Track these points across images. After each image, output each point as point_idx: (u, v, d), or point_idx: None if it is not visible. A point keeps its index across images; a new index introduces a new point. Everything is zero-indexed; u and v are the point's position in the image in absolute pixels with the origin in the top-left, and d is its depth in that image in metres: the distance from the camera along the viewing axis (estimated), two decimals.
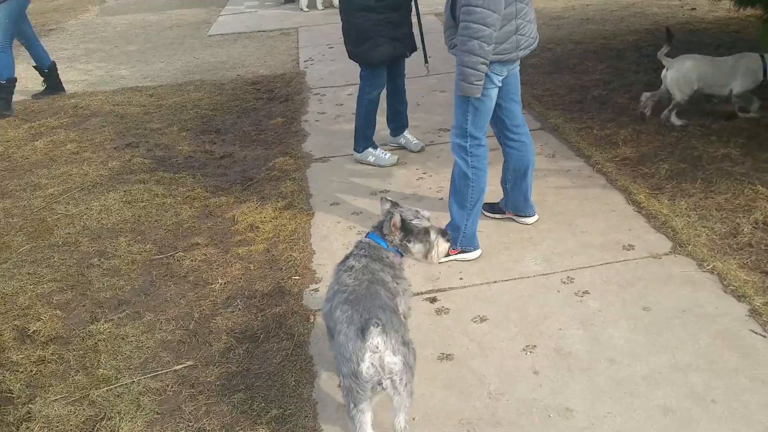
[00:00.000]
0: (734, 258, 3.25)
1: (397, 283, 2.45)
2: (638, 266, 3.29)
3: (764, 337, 2.72)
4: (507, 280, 3.29)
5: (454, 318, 3.04)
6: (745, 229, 3.46)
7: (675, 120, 4.80)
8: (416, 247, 2.56)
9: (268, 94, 6.35)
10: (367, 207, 4.06)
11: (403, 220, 2.50)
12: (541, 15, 8.41)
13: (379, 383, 2.09)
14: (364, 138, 4.60)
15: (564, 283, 3.22)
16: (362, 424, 2.12)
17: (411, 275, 3.30)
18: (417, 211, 2.60)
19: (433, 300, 3.19)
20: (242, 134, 5.40)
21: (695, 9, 7.89)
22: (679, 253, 3.35)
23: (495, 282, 3.29)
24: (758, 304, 2.90)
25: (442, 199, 4.11)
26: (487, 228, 3.75)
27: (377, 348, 2.05)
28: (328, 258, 3.55)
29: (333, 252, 3.61)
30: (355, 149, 4.68)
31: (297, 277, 3.38)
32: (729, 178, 3.97)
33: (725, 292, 3.02)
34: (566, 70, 6.24)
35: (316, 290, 3.29)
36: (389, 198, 2.66)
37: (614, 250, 3.44)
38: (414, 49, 4.48)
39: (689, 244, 3.38)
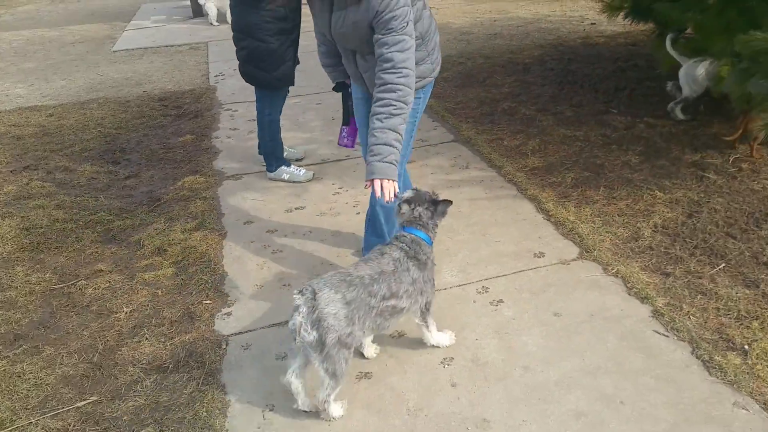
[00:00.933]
0: (636, 261, 3.39)
1: (425, 281, 2.67)
2: (549, 273, 3.37)
3: (667, 336, 2.84)
4: None
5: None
6: (646, 233, 3.63)
7: (679, 113, 5.04)
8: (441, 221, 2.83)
9: (177, 110, 6.15)
10: (283, 225, 3.98)
11: (429, 204, 2.75)
12: (451, 30, 8.62)
13: (296, 340, 2.36)
14: (275, 159, 4.52)
15: (479, 292, 3.26)
16: (289, 363, 2.51)
17: None
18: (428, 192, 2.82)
19: None
20: (149, 153, 5.20)
21: (595, 24, 8.29)
22: (585, 259, 3.46)
23: None
24: (660, 305, 3.03)
25: (359, 213, 4.09)
26: None
27: (300, 311, 2.33)
28: (242, 279, 3.44)
29: (246, 273, 3.50)
30: (267, 170, 4.59)
31: (208, 302, 3.25)
32: (629, 184, 4.16)
33: (629, 294, 3.14)
34: (477, 83, 6.40)
35: (229, 314, 3.17)
36: (402, 196, 2.75)
37: (526, 258, 3.52)
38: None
39: (595, 250, 3.50)
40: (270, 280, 3.44)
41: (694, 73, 4.78)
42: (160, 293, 3.36)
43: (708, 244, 3.49)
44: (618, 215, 3.84)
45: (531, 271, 3.40)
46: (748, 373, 2.60)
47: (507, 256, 3.54)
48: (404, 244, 2.64)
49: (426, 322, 2.80)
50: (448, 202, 2.79)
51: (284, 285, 3.39)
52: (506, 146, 4.91)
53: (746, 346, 2.74)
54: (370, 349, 2.83)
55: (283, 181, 4.54)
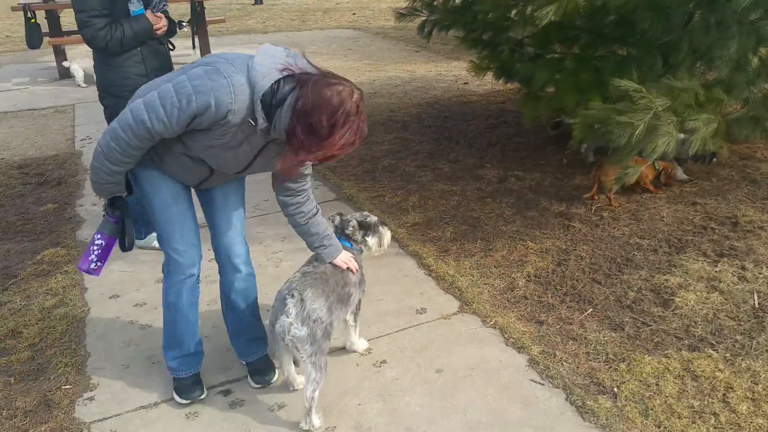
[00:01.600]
0: (512, 311, 3.49)
1: (360, 279, 3.05)
2: (430, 329, 3.39)
3: (542, 384, 2.92)
4: None
5: (250, 409, 2.86)
6: (520, 283, 3.76)
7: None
8: (372, 240, 3.16)
9: (38, 177, 5.76)
10: (152, 297, 3.75)
11: (359, 222, 3.11)
12: None
13: (283, 340, 2.61)
14: (143, 224, 4.31)
15: (362, 355, 3.21)
16: (280, 362, 2.90)
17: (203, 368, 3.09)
18: (364, 213, 3.21)
19: (226, 393, 2.98)
20: (4, 225, 4.79)
21: (467, 83, 8.74)
22: (465, 312, 3.52)
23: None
24: (535, 353, 3.12)
25: None
26: None
27: (288, 312, 2.58)
28: (106, 360, 3.19)
29: (112, 352, 3.26)
30: (135, 237, 4.35)
31: (68, 387, 2.98)
32: (504, 236, 4.32)
33: (507, 345, 3.21)
34: None
35: (91, 399, 2.91)
36: (337, 213, 3.19)
37: (408, 315, 3.53)
38: None
39: (474, 302, 3.57)
40: (138, 359, 3.22)
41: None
42: (12, 381, 3.03)
43: (576, 290, 3.66)
44: (494, 267, 3.96)
45: (413, 328, 3.41)
46: (618, 415, 2.70)
47: (390, 315, 3.53)
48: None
49: (355, 323, 3.16)
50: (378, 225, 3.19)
51: (153, 363, 3.18)
52: (387, 203, 4.98)
53: (615, 389, 2.86)
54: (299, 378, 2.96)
55: (154, 249, 4.31)
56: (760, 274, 3.70)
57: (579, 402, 2.78)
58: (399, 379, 3.02)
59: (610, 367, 3.01)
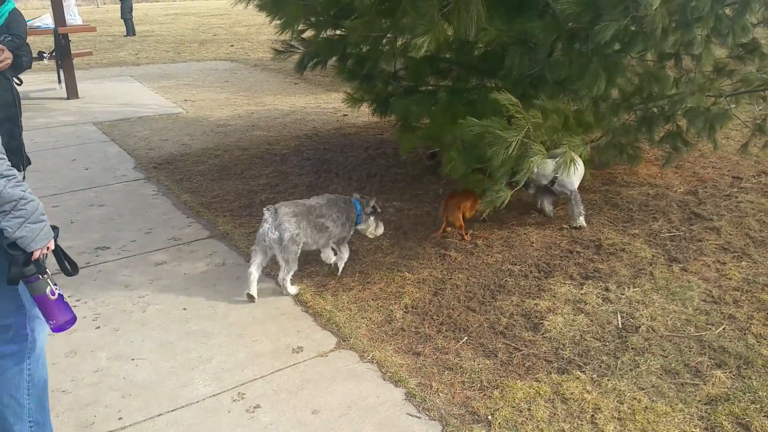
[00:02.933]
0: (390, 344, 3.47)
1: (343, 224, 4.10)
2: (307, 368, 3.29)
3: (419, 418, 2.89)
4: (173, 410, 2.99)
5: None
6: (398, 315, 3.75)
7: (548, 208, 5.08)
8: (371, 222, 4.30)
9: None
10: None
11: (373, 206, 4.28)
12: (208, 123, 8.54)
13: (264, 242, 3.85)
14: None
15: (235, 400, 3.05)
16: (252, 259, 3.93)
17: (59, 425, 2.82)
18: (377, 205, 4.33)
19: None
20: None
21: (347, 115, 8.80)
22: (343, 348, 3.45)
23: (160, 415, 2.96)
24: (413, 386, 3.10)
25: (99, 327, 3.67)
26: (151, 353, 3.42)
27: (266, 220, 3.83)
28: None
29: None
30: None
31: None
32: (381, 268, 4.32)
33: (384, 379, 3.17)
34: (234, 175, 6.32)
35: None
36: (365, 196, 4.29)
37: (284, 354, 3.41)
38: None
39: (351, 337, 3.52)
40: None
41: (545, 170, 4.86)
42: None
43: (452, 319, 3.70)
44: (372, 300, 3.94)
45: (289, 368, 3.29)
46: None
47: (265, 356, 3.40)
48: (341, 199, 4.19)
49: (340, 250, 4.19)
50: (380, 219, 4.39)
51: None
52: None
53: (489, 417, 2.88)
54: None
55: None
56: (623, 294, 3.92)
57: None
58: (273, 423, 2.88)
59: (484, 395, 3.04)
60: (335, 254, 4.20)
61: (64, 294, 2.36)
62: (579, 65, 4.44)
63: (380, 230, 4.40)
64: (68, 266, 2.45)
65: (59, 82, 10.18)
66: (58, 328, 2.33)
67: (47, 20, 10.03)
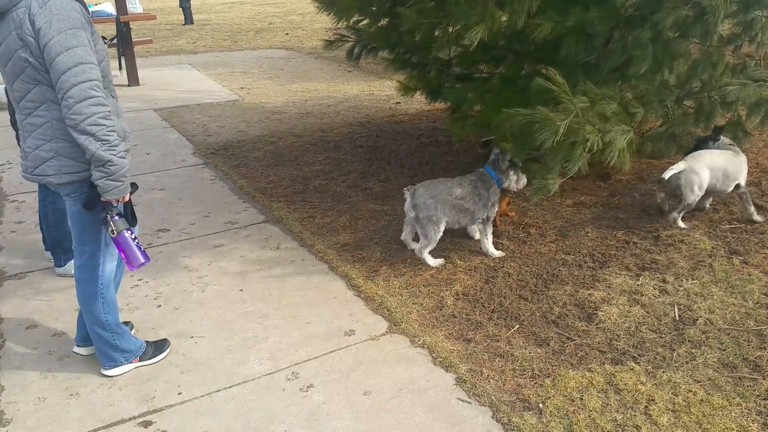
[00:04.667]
0: (441, 330, 3.49)
1: (480, 197, 4.20)
2: (359, 350, 3.35)
3: (469, 403, 2.91)
4: (230, 387, 3.10)
5: None
6: (449, 302, 3.77)
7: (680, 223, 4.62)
8: (514, 177, 4.32)
9: None
10: (71, 327, 3.55)
11: (511, 160, 4.27)
12: (263, 110, 8.69)
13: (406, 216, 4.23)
14: (63, 252, 4.12)
15: (289, 379, 3.13)
16: (404, 228, 4.42)
17: (122, 397, 2.98)
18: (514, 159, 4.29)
19: (147, 424, 2.85)
20: None
21: (399, 103, 8.82)
22: (394, 332, 3.49)
23: (218, 391, 3.07)
24: (463, 371, 3.12)
25: (160, 306, 3.82)
26: (209, 332, 3.55)
27: (406, 199, 4.14)
28: (21, 393, 3.01)
29: (27, 385, 3.08)
30: (55, 265, 4.17)
31: None
32: (433, 254, 4.32)
33: (434, 364, 3.20)
34: (288, 162, 6.43)
35: None
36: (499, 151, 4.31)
37: (337, 337, 3.48)
38: None
39: (402, 322, 3.56)
40: (55, 391, 3.05)
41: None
42: None
43: (504, 307, 3.70)
44: (424, 286, 3.96)
45: (342, 350, 3.36)
46: (543, 431, 2.72)
47: (318, 338, 3.47)
48: (477, 176, 4.27)
49: (485, 232, 4.28)
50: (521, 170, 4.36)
51: (72, 395, 3.02)
52: (318, 224, 4.93)
53: (540, 405, 2.88)
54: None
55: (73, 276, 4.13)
56: (680, 286, 3.83)
57: (505, 419, 2.79)
58: (326, 403, 2.95)
59: (535, 383, 3.03)
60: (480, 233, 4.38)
61: (136, 239, 2.90)
62: (636, 53, 4.33)
63: (523, 182, 4.38)
64: (129, 216, 2.98)
65: (120, 68, 10.51)
66: (130, 265, 2.89)
67: (108, 8, 10.36)
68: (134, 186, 2.91)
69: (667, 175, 4.48)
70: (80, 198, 2.84)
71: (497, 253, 4.31)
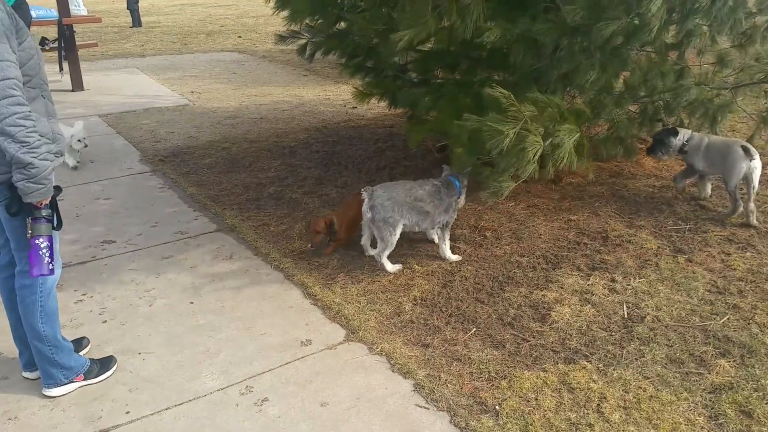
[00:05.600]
0: (399, 336, 3.48)
1: (441, 201, 4.20)
2: (316, 361, 3.31)
3: (428, 409, 2.91)
4: (181, 404, 3.02)
5: None
6: (407, 307, 3.76)
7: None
8: (463, 197, 4.44)
9: None
10: (7, 347, 3.39)
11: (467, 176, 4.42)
12: (215, 115, 8.55)
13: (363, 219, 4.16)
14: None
15: (243, 394, 3.08)
16: (363, 232, 4.33)
17: (65, 418, 2.87)
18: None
19: None
20: None
21: (356, 107, 8.79)
22: (352, 340, 3.47)
23: (168, 409, 2.99)
24: (421, 377, 3.12)
25: (105, 321, 3.71)
26: (158, 347, 3.46)
27: (364, 200, 4.07)
28: None
29: None
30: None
31: None
32: (391, 260, 4.31)
33: (393, 371, 3.19)
34: (242, 168, 6.34)
35: None
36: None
37: (293, 348, 3.43)
38: None
39: (360, 330, 3.54)
40: None
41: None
42: None
43: (461, 310, 3.72)
44: (381, 292, 3.95)
45: (298, 361, 3.32)
46: None
47: (273, 349, 3.42)
48: (442, 183, 4.29)
49: (443, 237, 4.29)
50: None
51: (10, 419, 2.91)
52: (273, 232, 4.87)
53: (497, 407, 2.90)
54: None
55: None
56: (629, 285, 3.92)
57: (463, 423, 2.80)
58: (282, 416, 2.91)
59: (492, 385, 3.05)
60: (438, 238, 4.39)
61: (47, 249, 2.76)
62: (582, 60, 4.43)
63: (464, 200, 4.52)
64: (55, 221, 2.84)
65: (60, 71, 10.18)
66: (32, 272, 2.75)
67: (51, 10, 10.03)
68: (58, 189, 2.83)
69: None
70: (3, 202, 2.75)
71: (454, 258, 4.32)
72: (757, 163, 4.61)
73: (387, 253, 4.16)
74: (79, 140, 6.29)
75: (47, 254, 2.77)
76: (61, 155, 2.85)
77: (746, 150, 4.60)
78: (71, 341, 3.23)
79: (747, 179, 4.63)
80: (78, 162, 6.44)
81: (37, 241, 2.73)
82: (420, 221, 4.18)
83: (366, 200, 4.08)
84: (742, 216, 4.73)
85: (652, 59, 5.03)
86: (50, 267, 2.79)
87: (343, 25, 5.70)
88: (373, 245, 4.32)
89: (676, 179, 5.25)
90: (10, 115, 2.48)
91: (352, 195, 4.68)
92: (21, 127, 2.51)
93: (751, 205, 4.65)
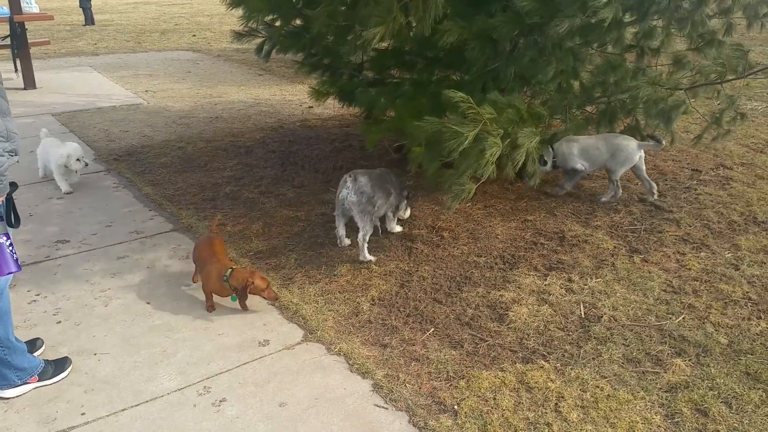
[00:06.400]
0: (357, 336, 3.47)
1: (398, 193, 4.55)
2: (273, 361, 3.27)
3: (386, 409, 2.90)
4: (137, 405, 2.95)
5: None
6: (365, 307, 3.75)
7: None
8: (403, 204, 4.71)
9: None
10: None
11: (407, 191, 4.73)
12: (170, 114, 8.39)
13: (344, 205, 4.24)
14: None
15: (200, 394, 3.01)
16: (337, 222, 4.45)
17: (19, 420, 2.78)
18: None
19: None
20: None
21: (312, 107, 8.74)
22: (310, 341, 3.44)
23: (124, 410, 2.92)
24: (379, 377, 3.11)
25: (60, 322, 3.59)
26: (114, 348, 3.36)
27: (348, 186, 4.18)
28: None
29: None
30: None
31: None
32: (348, 261, 4.31)
33: (351, 371, 3.18)
34: (198, 168, 6.23)
35: None
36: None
37: (250, 348, 3.38)
38: None
39: (318, 330, 3.51)
40: None
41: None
42: None
43: (419, 310, 3.72)
44: (339, 292, 3.93)
45: (256, 361, 3.27)
46: None
47: (231, 350, 3.37)
48: (387, 170, 4.54)
49: (393, 217, 4.66)
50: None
51: None
52: (229, 231, 4.79)
53: (455, 406, 2.91)
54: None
55: None
56: (585, 285, 3.99)
57: (421, 423, 2.80)
58: (240, 417, 2.86)
59: (450, 385, 3.07)
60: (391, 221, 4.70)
61: (10, 246, 2.73)
62: (541, 59, 4.50)
63: (408, 213, 4.80)
64: (13, 218, 2.83)
65: (15, 71, 9.87)
66: (1, 273, 2.69)
67: (2, 7, 9.71)
68: (14, 185, 2.78)
69: None
70: None
71: (398, 230, 4.72)
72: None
73: (368, 237, 4.28)
74: (77, 159, 5.46)
75: (12, 250, 2.73)
76: (16, 154, 2.74)
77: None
78: (25, 342, 3.12)
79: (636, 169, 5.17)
80: (71, 186, 5.60)
81: (2, 240, 2.69)
82: (387, 207, 4.46)
83: (350, 185, 4.18)
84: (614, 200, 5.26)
85: (609, 59, 5.15)
86: (17, 262, 2.75)
87: (299, 22, 5.65)
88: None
89: (561, 188, 5.46)
90: None
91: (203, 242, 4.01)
92: None
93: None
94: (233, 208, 5.23)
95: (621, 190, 5.28)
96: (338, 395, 3.00)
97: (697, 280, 4.05)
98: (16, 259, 2.76)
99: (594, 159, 5.17)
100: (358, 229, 4.25)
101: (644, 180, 5.26)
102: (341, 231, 4.47)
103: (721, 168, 6.06)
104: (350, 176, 4.22)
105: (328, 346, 3.38)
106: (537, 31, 4.52)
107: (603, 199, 5.27)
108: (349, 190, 4.19)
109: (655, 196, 5.26)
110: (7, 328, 2.93)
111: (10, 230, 2.79)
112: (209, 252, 3.81)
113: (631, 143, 5.07)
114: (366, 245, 4.25)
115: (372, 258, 4.28)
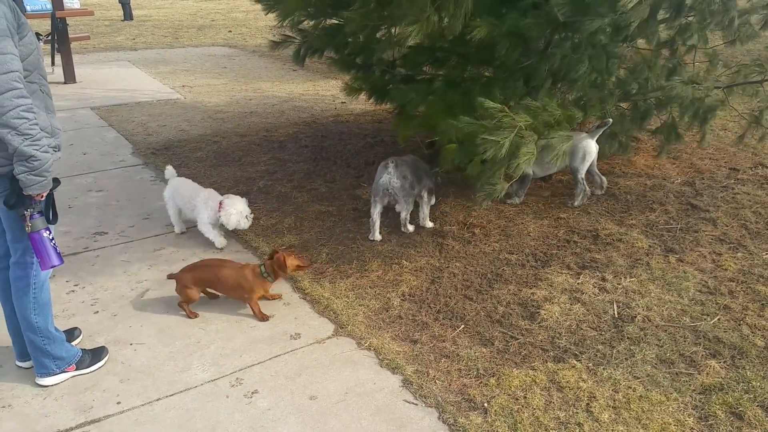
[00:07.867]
0: (387, 332, 3.48)
1: (428, 175, 4.72)
2: (305, 354, 3.31)
3: (416, 404, 2.91)
4: (171, 395, 3.01)
5: None
6: (395, 303, 3.77)
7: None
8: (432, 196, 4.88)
9: None
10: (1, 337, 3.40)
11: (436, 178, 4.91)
12: (206, 108, 8.50)
13: (387, 190, 4.43)
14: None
15: (233, 386, 3.07)
16: (374, 209, 4.52)
17: (57, 408, 2.86)
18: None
19: None
20: None
21: (345, 102, 8.78)
22: (340, 335, 3.47)
23: (158, 400, 2.98)
24: (409, 372, 3.12)
25: (97, 312, 3.68)
26: (149, 338, 3.44)
27: (390, 172, 4.39)
28: None
29: None
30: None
31: None
32: (379, 256, 4.32)
33: (381, 366, 3.19)
34: (232, 162, 6.31)
35: None
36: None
37: (282, 341, 3.43)
38: None
39: (349, 325, 3.53)
40: None
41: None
42: None
43: (449, 307, 3.72)
44: (370, 287, 3.95)
45: (287, 354, 3.31)
46: (488, 431, 2.75)
47: (262, 342, 3.41)
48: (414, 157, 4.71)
49: (428, 201, 4.80)
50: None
51: (4, 407, 2.89)
52: (262, 225, 4.85)
53: (485, 404, 2.91)
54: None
55: None
56: (619, 284, 3.94)
57: (451, 420, 2.81)
58: (271, 409, 2.90)
59: (480, 383, 3.06)
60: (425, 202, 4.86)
61: (52, 240, 2.81)
62: (574, 56, 4.44)
63: (433, 200, 4.92)
64: (51, 215, 2.90)
65: (52, 65, 10.11)
66: (43, 266, 2.79)
67: (44, 2, 9.96)
68: (57, 181, 2.82)
69: None
70: (3, 194, 2.74)
71: (430, 225, 4.81)
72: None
73: (408, 213, 4.62)
74: (246, 217, 4.45)
75: (54, 244, 2.81)
76: (59, 150, 2.83)
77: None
78: (63, 331, 3.21)
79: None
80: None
81: (45, 234, 2.76)
82: (422, 186, 4.67)
83: (392, 170, 4.39)
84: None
85: (644, 56, 5.06)
86: (59, 255, 2.82)
87: (333, 22, 5.68)
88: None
89: (516, 195, 5.25)
90: (14, 107, 2.47)
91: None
92: (24, 120, 2.50)
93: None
94: (266, 203, 5.29)
95: (589, 189, 5.10)
96: (368, 390, 3.02)
97: (733, 281, 3.97)
98: (59, 253, 2.83)
99: (543, 163, 4.76)
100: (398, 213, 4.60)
101: (595, 174, 5.21)
102: (376, 218, 4.55)
103: (760, 167, 5.91)
104: (391, 162, 4.42)
105: (358, 341, 3.40)
106: (569, 28, 4.46)
107: (575, 203, 5.08)
108: (391, 176, 4.38)
109: (603, 191, 5.23)
110: (47, 318, 3.02)
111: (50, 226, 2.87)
112: (227, 267, 3.67)
113: (584, 139, 4.95)
114: (408, 220, 4.60)
115: (411, 228, 4.65)
